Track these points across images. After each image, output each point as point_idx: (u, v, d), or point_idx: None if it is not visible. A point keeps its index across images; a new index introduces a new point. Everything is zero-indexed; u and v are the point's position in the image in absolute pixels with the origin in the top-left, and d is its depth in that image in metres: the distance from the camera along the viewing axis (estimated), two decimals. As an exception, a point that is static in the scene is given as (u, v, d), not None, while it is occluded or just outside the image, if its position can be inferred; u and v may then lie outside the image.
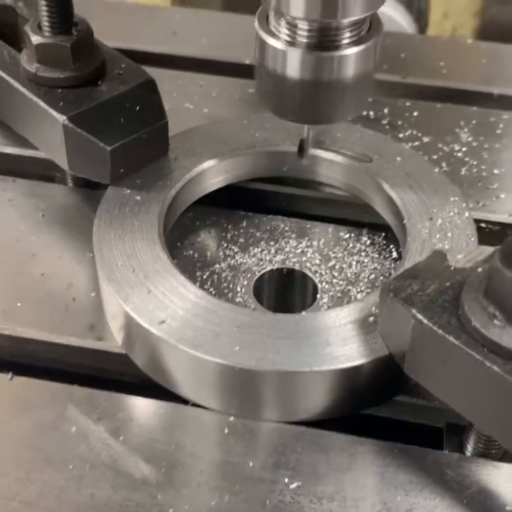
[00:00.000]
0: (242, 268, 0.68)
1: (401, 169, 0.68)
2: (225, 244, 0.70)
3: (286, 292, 0.69)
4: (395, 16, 1.08)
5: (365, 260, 0.68)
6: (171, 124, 0.67)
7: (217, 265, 0.68)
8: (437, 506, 0.52)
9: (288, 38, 0.57)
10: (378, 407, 0.59)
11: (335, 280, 0.67)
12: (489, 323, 0.47)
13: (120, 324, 0.59)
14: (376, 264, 0.68)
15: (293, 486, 0.53)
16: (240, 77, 0.85)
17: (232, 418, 0.56)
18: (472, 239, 0.62)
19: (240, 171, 0.71)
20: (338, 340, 0.55)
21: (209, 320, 0.56)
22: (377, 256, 0.69)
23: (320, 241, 0.70)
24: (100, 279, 0.61)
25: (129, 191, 0.65)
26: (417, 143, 0.77)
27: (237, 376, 0.54)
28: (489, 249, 0.54)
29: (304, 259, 0.69)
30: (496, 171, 0.75)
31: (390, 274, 0.67)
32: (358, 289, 0.66)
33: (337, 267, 0.68)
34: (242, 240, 0.70)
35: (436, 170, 0.68)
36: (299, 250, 0.69)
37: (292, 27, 0.57)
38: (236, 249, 0.69)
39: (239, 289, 0.66)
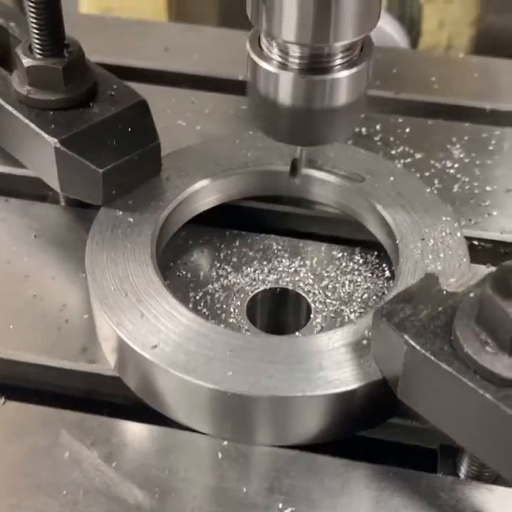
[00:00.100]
0: (235, 288, 0.68)
1: (393, 189, 0.68)
2: (218, 264, 0.69)
3: (280, 312, 0.69)
4: (386, 28, 1.08)
5: (358, 279, 0.68)
6: (163, 141, 0.67)
7: (210, 285, 0.68)
8: (431, 530, 0.52)
9: (280, 61, 0.57)
10: (372, 429, 0.59)
11: (328, 300, 0.67)
12: (481, 350, 0.47)
13: (113, 347, 0.59)
14: (369, 284, 0.68)
15: (287, 511, 0.53)
16: (233, 94, 0.85)
17: (225, 442, 0.56)
18: (464, 260, 0.62)
19: (232, 191, 0.70)
20: (331, 363, 0.55)
21: (202, 344, 0.56)
22: (370, 275, 0.69)
23: (313, 260, 0.70)
24: (93, 304, 0.61)
25: (121, 212, 0.65)
26: (409, 159, 0.77)
27: (230, 401, 0.54)
28: (481, 272, 0.54)
29: (297, 278, 0.69)
30: (488, 188, 0.75)
31: (383, 293, 0.67)
32: (351, 309, 0.66)
33: (330, 286, 0.68)
34: (235, 260, 0.70)
35: (428, 189, 0.68)
36: (292, 269, 0.69)
37: (284, 50, 0.57)
38: (229, 269, 0.69)
39: (232, 309, 0.66)
